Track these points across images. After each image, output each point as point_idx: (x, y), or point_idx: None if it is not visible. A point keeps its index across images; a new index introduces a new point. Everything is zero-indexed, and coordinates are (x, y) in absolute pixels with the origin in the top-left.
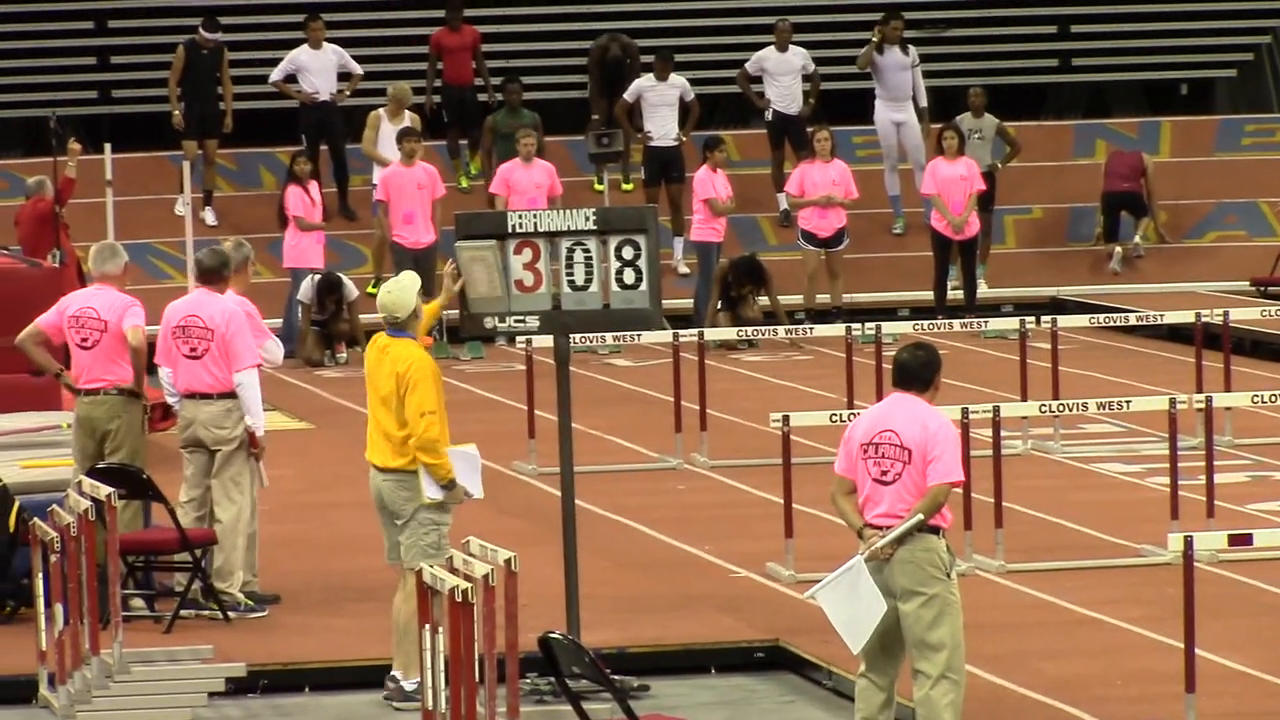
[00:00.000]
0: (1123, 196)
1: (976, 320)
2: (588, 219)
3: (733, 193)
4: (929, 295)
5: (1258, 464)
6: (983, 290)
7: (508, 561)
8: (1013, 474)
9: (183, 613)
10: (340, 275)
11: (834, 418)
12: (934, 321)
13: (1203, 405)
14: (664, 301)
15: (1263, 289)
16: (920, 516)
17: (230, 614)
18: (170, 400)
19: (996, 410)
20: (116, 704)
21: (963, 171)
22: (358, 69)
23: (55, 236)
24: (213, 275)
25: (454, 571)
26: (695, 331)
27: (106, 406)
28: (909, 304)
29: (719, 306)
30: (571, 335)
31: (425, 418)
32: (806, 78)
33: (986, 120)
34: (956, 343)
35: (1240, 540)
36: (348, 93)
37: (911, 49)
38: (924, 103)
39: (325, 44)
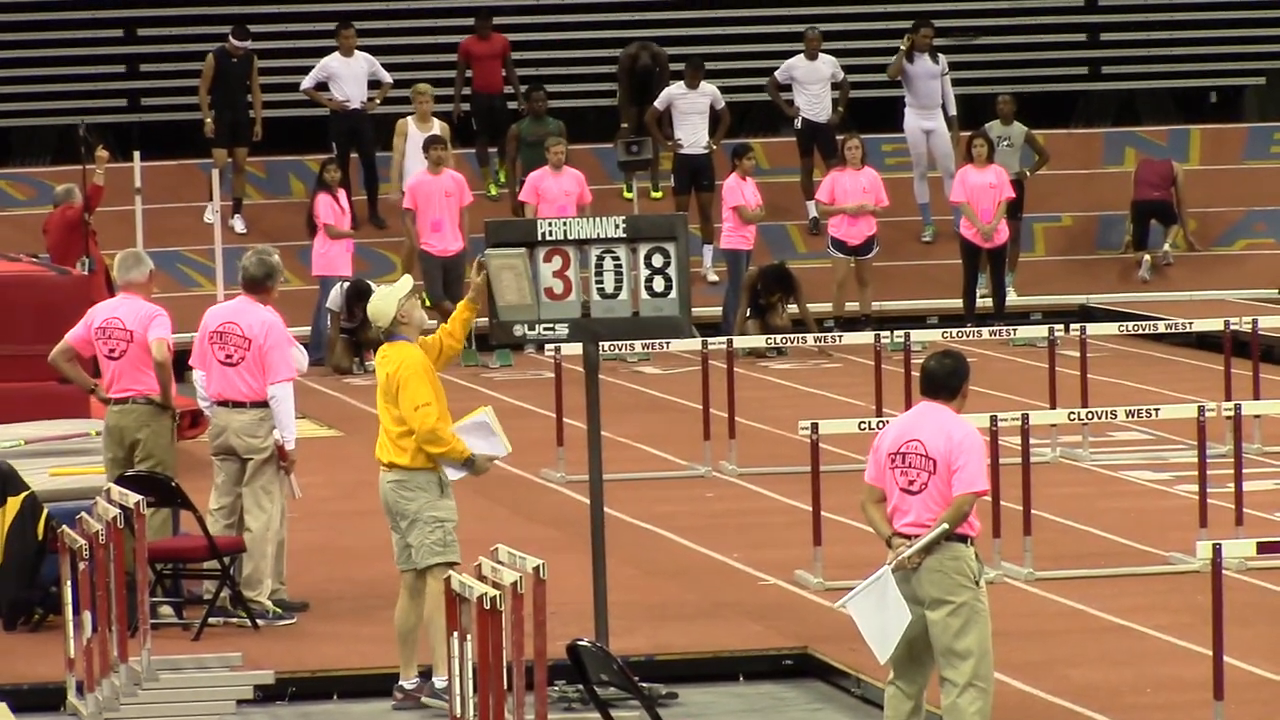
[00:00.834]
0: (1153, 205)
1: (1005, 328)
2: (617, 227)
3: (762, 200)
4: (958, 303)
5: None
6: (1012, 298)
7: (536, 569)
8: (1041, 482)
9: (211, 620)
10: (369, 283)
11: (862, 426)
12: (963, 329)
13: (1231, 413)
14: (693, 309)
15: None
16: (945, 526)
17: (259, 621)
18: (202, 405)
19: (1025, 418)
20: (145, 711)
21: (992, 179)
22: (388, 77)
23: (84, 244)
24: (257, 284)
25: (482, 579)
26: (724, 339)
27: (135, 415)
28: (938, 312)
29: (748, 314)
30: (601, 343)
31: (420, 410)
32: (836, 86)
33: (1015, 128)
34: (985, 350)
35: (1269, 548)
36: (378, 101)
37: (941, 57)
38: (953, 111)
39: (356, 52)
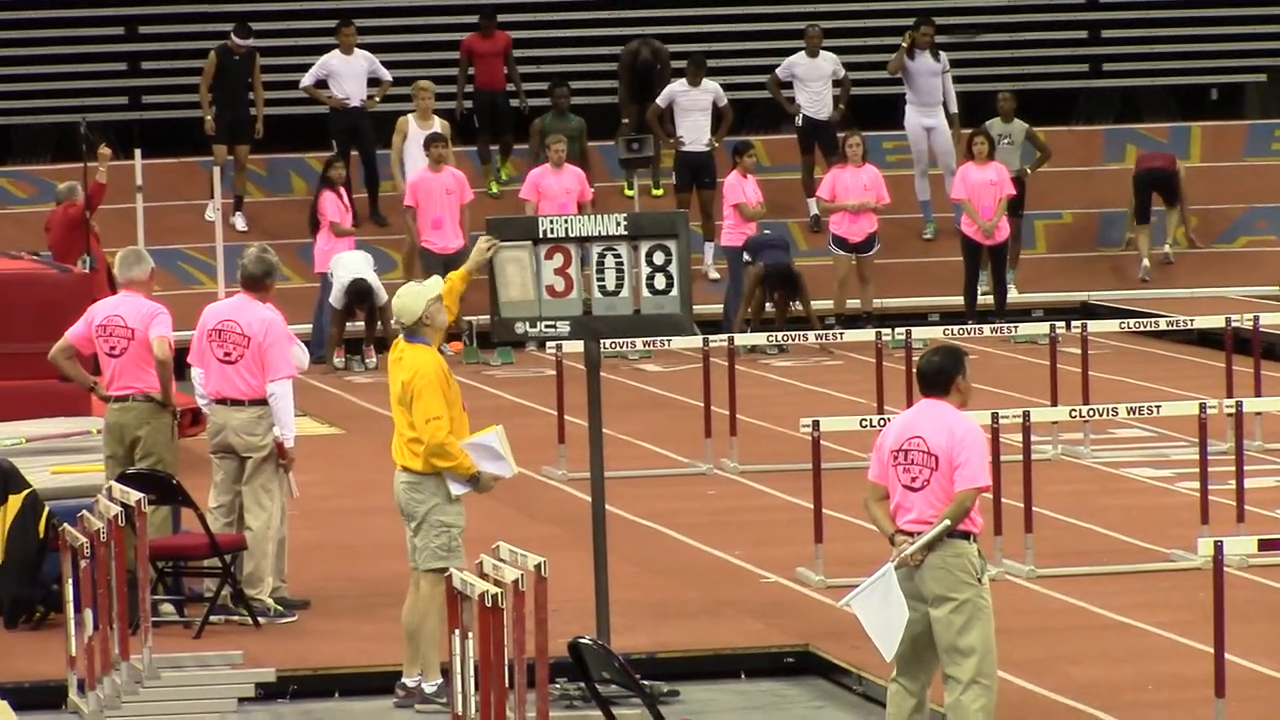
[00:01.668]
0: (1155, 175)
1: (1006, 325)
2: (619, 224)
3: (763, 198)
4: (959, 300)
5: None
6: (1013, 295)
7: (538, 566)
8: (1042, 479)
9: (212, 618)
10: (369, 281)
11: (864, 423)
12: (964, 326)
13: (1233, 410)
14: (694, 307)
15: None
16: (947, 523)
17: (260, 619)
18: (200, 403)
19: (1026, 415)
20: (146, 709)
21: (993, 176)
22: (387, 75)
23: (86, 242)
24: (256, 282)
25: (484, 576)
26: (725, 337)
27: (135, 413)
28: (939, 309)
29: (749, 314)
30: (602, 340)
31: (430, 424)
32: (837, 83)
33: (1016, 125)
34: (986, 348)
35: (1270, 545)
36: (378, 99)
37: (942, 54)
38: (954, 108)
39: (356, 49)
